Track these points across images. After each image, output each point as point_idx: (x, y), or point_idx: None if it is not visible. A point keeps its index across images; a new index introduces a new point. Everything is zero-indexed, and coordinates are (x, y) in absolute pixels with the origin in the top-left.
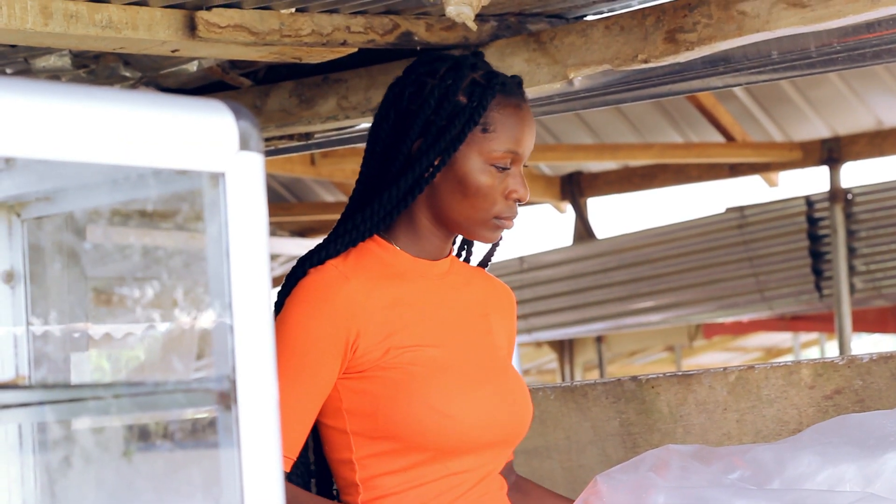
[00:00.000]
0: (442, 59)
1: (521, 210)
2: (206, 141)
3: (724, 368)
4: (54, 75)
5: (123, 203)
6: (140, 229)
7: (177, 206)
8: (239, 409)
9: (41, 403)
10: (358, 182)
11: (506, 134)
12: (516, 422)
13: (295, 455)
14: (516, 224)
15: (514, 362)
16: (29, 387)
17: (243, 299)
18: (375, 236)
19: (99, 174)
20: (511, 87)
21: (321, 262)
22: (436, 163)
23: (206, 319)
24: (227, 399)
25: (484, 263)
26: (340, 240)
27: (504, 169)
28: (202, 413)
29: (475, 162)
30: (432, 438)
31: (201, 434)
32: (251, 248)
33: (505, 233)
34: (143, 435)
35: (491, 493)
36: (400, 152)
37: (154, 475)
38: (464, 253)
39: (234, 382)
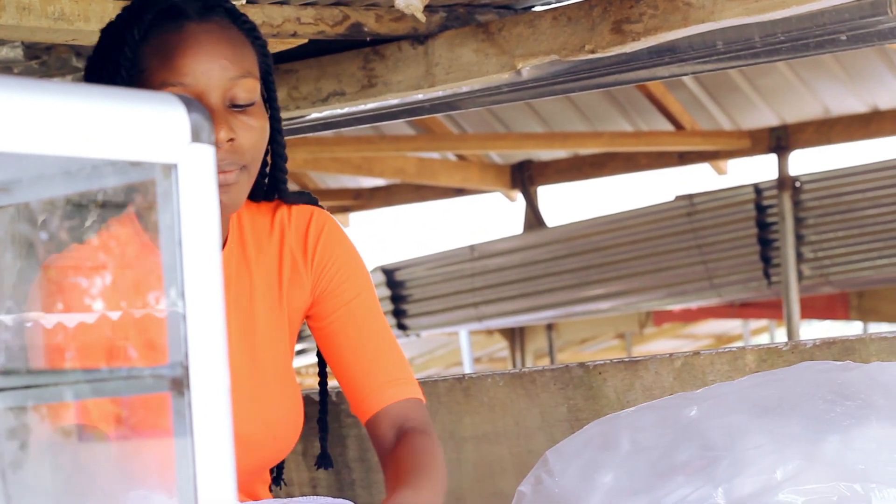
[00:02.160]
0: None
1: (237, 158)
2: (159, 133)
3: (671, 354)
4: (6, 67)
5: (78, 194)
6: (94, 219)
7: (130, 196)
8: (192, 395)
9: (1, 390)
10: None
11: (158, 66)
12: (270, 446)
13: None
14: (233, 177)
15: (363, 319)
16: None
17: (196, 287)
18: None
19: (54, 165)
20: (179, 10)
21: None
22: None
23: (160, 307)
24: (179, 385)
25: (281, 195)
26: None
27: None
28: (155, 399)
29: None
30: None
31: (155, 420)
32: (203, 238)
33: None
34: (98, 421)
35: None
36: None
37: (108, 461)
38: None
39: (186, 369)
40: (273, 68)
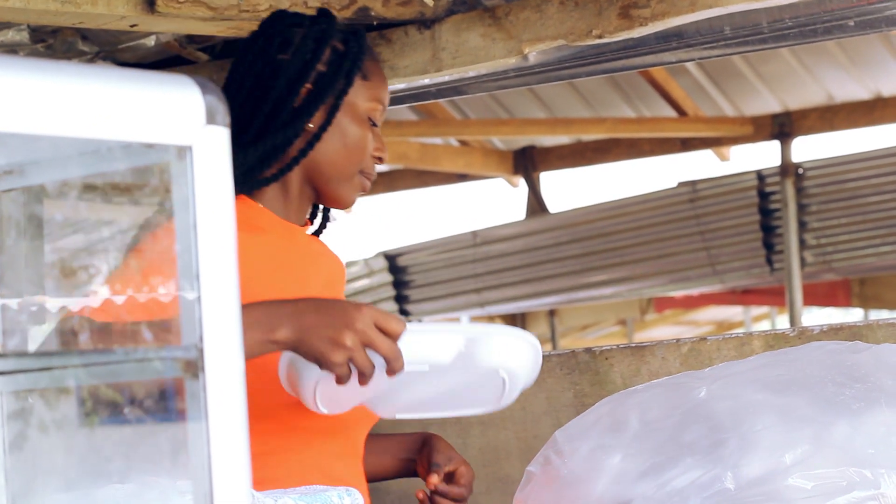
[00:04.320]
0: (298, 14)
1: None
2: (174, 115)
3: (677, 340)
4: (11, 50)
5: (92, 176)
6: (109, 202)
7: (145, 178)
8: (207, 377)
9: (13, 373)
10: None
11: (379, 83)
12: None
13: None
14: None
15: None
16: (2, 355)
17: (210, 269)
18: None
19: (68, 147)
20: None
21: None
22: (324, 110)
23: (176, 289)
24: (194, 367)
25: (320, 232)
26: None
27: (373, 124)
28: (170, 382)
29: (357, 111)
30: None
31: (169, 403)
32: (218, 219)
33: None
34: (111, 404)
35: None
36: (283, 102)
37: (121, 444)
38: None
39: (201, 351)
40: None
